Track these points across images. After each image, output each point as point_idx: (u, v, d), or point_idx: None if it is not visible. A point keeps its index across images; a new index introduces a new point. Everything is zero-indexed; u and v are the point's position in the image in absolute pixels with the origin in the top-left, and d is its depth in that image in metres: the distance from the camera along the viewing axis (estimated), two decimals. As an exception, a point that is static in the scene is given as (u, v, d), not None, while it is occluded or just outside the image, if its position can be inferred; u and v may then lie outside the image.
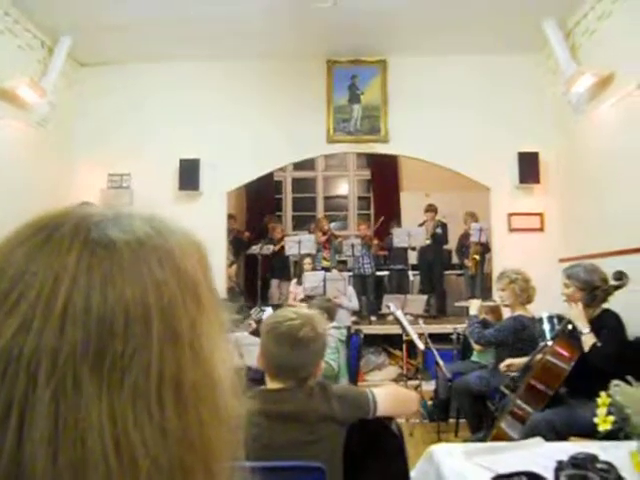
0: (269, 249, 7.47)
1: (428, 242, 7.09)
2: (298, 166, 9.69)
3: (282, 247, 7.24)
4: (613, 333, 2.98)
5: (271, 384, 1.62)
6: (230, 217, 7.07)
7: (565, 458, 1.38)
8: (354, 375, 4.01)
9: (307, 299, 4.98)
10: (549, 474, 1.35)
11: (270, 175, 8.39)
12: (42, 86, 5.28)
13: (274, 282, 7.76)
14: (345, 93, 6.30)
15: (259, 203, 9.64)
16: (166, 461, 0.39)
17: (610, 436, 1.64)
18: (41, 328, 0.37)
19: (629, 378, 1.60)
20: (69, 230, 0.42)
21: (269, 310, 4.65)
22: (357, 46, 6.00)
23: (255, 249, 7.50)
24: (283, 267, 7.73)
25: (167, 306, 0.41)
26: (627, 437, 1.51)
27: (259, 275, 7.40)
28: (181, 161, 6.08)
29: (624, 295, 3.15)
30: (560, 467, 1.22)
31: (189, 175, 6.07)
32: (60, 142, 5.89)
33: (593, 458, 1.35)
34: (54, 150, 5.75)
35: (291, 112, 6.23)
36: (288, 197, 10.37)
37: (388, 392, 1.70)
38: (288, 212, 10.33)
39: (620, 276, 3.04)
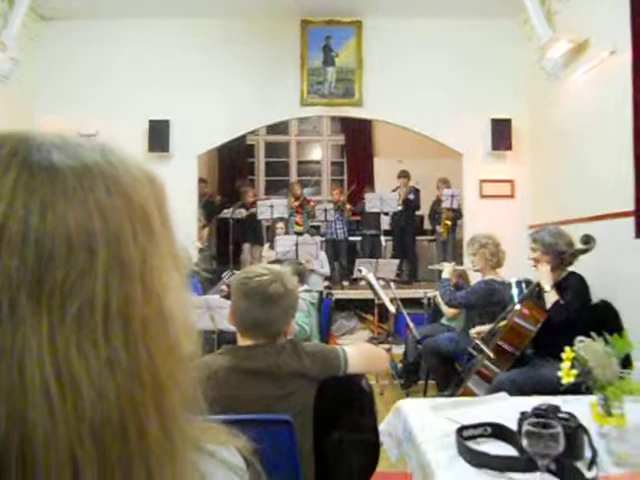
0: (241, 213, 7.42)
1: (400, 208, 7.12)
2: (271, 130, 9.58)
3: (254, 211, 7.19)
4: (577, 293, 3.06)
5: (241, 341, 1.61)
6: (201, 181, 6.97)
7: (529, 410, 1.41)
8: (325, 338, 4.05)
9: (276, 262, 4.95)
10: (513, 425, 1.39)
11: (243, 138, 8.28)
12: (2, 41, 5.05)
13: (246, 246, 7.74)
14: (319, 55, 6.20)
15: (231, 167, 9.54)
16: (113, 393, 0.38)
17: (572, 391, 1.69)
18: None
19: (592, 334, 1.64)
20: (7, 152, 0.39)
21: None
22: (332, 6, 5.88)
23: (227, 213, 7.44)
24: (255, 231, 7.70)
25: (114, 235, 0.39)
26: (588, 390, 1.56)
27: (231, 239, 7.36)
28: (150, 122, 5.94)
29: (590, 259, 3.23)
30: (523, 417, 1.25)
31: (159, 137, 5.94)
32: (23, 100, 5.67)
33: (555, 408, 1.39)
34: (16, 108, 5.53)
35: (264, 73, 6.11)
36: (261, 161, 10.26)
37: (359, 349, 1.72)
38: (261, 176, 10.23)
39: (587, 240, 3.11)
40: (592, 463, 1.26)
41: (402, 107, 6.09)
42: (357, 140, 9.62)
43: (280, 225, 6.34)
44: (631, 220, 3.84)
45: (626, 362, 1.75)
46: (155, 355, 0.41)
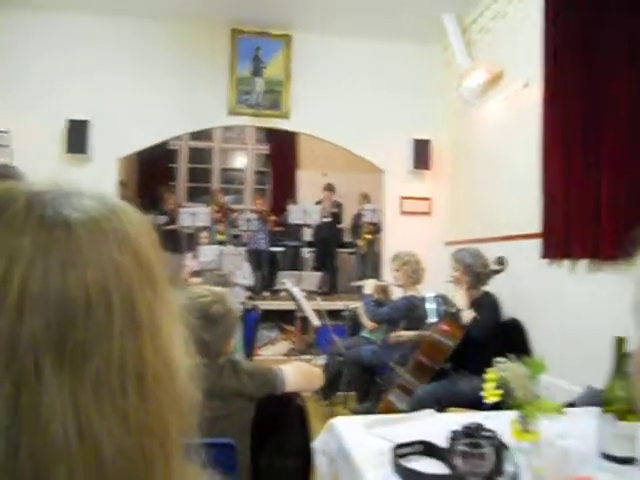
0: (162, 220, 7.23)
1: (325, 220, 7.24)
2: (195, 135, 9.40)
3: (175, 218, 7.03)
4: (490, 310, 3.28)
5: (181, 361, 1.60)
6: (121, 184, 6.72)
7: (456, 427, 1.51)
8: (250, 350, 4.05)
9: (198, 274, 4.89)
10: (442, 441, 1.48)
11: (165, 143, 8.08)
12: None
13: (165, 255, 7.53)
14: (249, 65, 6.20)
15: (152, 171, 9.26)
16: (129, 447, 0.39)
17: (493, 407, 1.82)
18: None
19: (510, 356, 1.77)
20: (22, 207, 0.39)
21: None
22: (263, 18, 5.91)
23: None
24: (175, 239, 7.52)
25: (127, 291, 0.40)
26: (507, 408, 1.68)
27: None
28: (69, 122, 5.68)
29: (502, 277, 3.47)
30: (455, 436, 1.34)
31: (77, 137, 5.69)
32: None
33: (479, 426, 1.49)
34: None
35: (192, 79, 6.02)
36: (183, 167, 10.06)
37: (296, 369, 1.76)
38: (182, 182, 10.03)
39: (501, 261, 3.34)
40: (514, 478, 1.37)
41: (327, 122, 6.21)
42: (282, 151, 9.66)
43: (204, 234, 6.26)
44: (538, 241, 4.14)
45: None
46: (164, 405, 0.42)
